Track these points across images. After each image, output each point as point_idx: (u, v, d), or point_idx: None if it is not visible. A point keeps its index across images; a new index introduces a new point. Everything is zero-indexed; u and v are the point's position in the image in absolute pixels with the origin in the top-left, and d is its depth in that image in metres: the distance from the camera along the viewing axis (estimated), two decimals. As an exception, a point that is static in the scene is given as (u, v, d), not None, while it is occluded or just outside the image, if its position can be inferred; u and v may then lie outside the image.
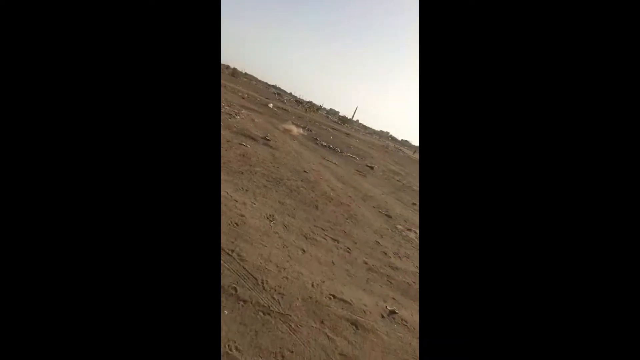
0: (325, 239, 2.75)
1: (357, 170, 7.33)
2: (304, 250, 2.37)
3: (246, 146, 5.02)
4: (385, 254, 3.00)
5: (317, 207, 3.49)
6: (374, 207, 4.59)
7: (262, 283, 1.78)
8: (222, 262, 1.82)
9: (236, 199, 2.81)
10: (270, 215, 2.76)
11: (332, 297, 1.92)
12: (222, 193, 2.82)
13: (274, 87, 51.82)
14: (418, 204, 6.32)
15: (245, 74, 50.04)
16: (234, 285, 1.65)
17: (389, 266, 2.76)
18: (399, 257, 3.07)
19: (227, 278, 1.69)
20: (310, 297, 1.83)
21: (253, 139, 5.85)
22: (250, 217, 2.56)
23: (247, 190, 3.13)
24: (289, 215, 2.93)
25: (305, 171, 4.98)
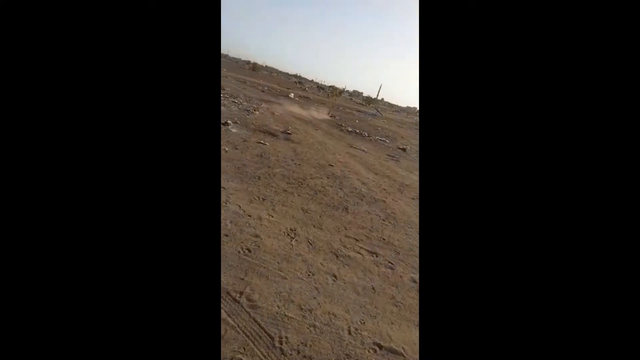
0: (360, 253, 2.24)
1: (389, 155, 6.65)
2: (335, 277, 1.88)
3: (264, 144, 4.59)
4: (437, 263, 2.42)
5: (347, 209, 2.97)
6: (412, 198, 3.97)
7: (281, 342, 1.32)
8: (225, 314, 1.38)
9: (250, 213, 2.38)
10: (291, 229, 2.30)
11: (377, 349, 1.42)
12: (234, 207, 2.39)
13: (295, 76, 50.95)
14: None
15: (266, 67, 49.79)
16: (240, 357, 1.20)
17: (445, 281, 2.19)
18: (455, 265, 2.47)
19: (230, 343, 1.25)
20: (349, 356, 1.34)
21: (273, 134, 5.40)
22: (266, 236, 2.11)
23: (264, 200, 2.68)
24: (314, 226, 2.44)
25: (330, 165, 4.45)
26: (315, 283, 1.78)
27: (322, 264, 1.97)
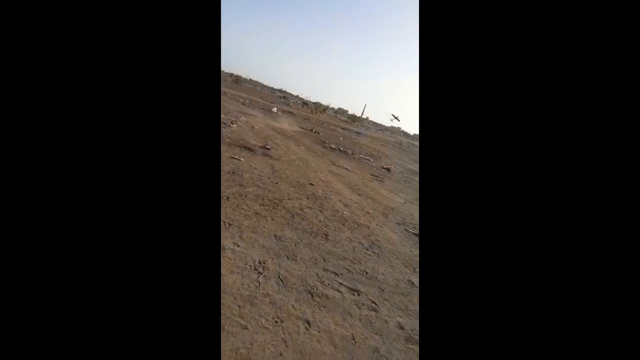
0: (340, 291, 1.93)
1: (373, 175, 6.47)
2: (308, 324, 1.56)
3: (239, 159, 4.26)
4: (425, 301, 2.15)
5: (327, 236, 2.67)
6: (398, 223, 3.74)
7: None
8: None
9: (213, 241, 2.03)
10: (260, 262, 1.97)
11: None
12: (195, 233, 2.04)
13: (280, 90, 51.10)
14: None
15: (250, 80, 49.81)
16: None
17: (435, 325, 1.91)
18: (444, 303, 2.21)
19: None
20: None
21: (250, 149, 5.10)
22: (228, 271, 1.77)
23: (230, 225, 2.34)
24: (287, 258, 2.12)
25: (311, 184, 4.18)
26: (283, 333, 1.45)
27: (293, 307, 1.65)
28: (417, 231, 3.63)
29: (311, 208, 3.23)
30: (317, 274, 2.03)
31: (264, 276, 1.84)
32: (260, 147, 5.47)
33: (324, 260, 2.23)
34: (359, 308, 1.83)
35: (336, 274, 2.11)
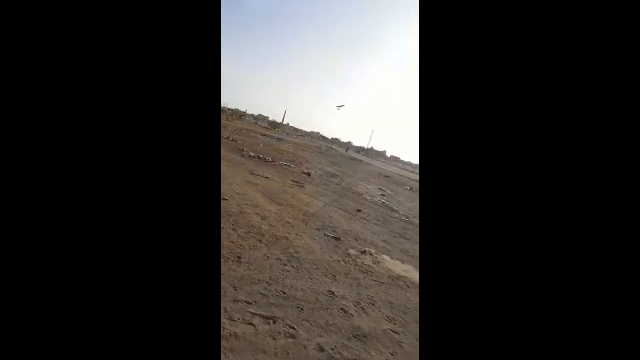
0: (252, 324, 1.71)
1: (293, 181, 6.39)
2: (209, 379, 1.30)
3: (134, 179, 3.63)
4: (345, 311, 2.10)
5: (239, 258, 2.41)
6: (318, 229, 3.69)
7: None
8: None
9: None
10: (149, 308, 1.60)
11: None
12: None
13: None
14: (363, 209, 5.70)
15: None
16: None
17: (354, 336, 1.86)
18: (363, 308, 2.20)
19: None
20: None
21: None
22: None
23: (111, 265, 1.89)
24: (188, 295, 1.80)
25: (224, 198, 3.82)
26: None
27: (191, 360, 1.36)
28: (335, 234, 3.65)
29: (223, 228, 2.90)
30: (224, 308, 1.77)
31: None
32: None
33: (235, 289, 1.98)
34: (274, 339, 1.64)
35: (249, 302, 1.88)
